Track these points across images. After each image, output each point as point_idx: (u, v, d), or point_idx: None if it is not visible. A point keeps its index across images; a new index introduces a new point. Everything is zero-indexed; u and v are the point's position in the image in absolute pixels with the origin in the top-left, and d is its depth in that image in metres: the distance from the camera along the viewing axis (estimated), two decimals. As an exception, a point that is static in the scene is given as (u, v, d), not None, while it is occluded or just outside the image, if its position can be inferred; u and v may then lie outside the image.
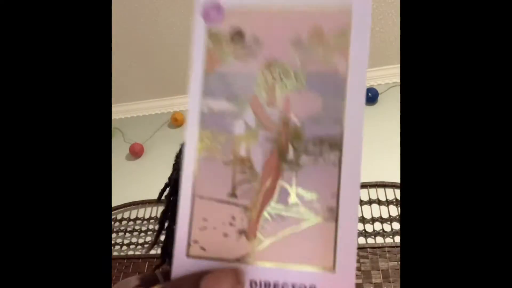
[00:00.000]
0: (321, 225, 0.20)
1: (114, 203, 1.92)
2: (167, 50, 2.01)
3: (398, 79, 1.96)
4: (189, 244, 0.21)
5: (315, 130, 0.21)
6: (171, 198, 0.55)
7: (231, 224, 0.21)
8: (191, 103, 0.23)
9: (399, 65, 2.19)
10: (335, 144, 0.21)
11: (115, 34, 1.84)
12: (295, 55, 0.22)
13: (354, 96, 0.21)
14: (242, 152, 0.22)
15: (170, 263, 0.52)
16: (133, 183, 1.96)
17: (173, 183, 0.55)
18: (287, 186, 0.21)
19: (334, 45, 0.22)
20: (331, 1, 0.22)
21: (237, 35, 0.23)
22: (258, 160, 0.22)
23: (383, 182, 1.53)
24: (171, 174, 0.56)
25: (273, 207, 0.21)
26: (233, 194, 0.22)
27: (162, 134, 2.12)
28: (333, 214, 0.20)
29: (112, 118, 2.31)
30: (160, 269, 0.60)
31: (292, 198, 0.21)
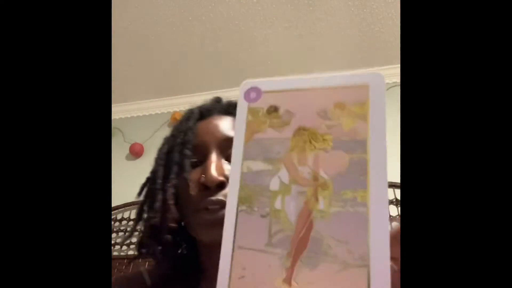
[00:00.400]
0: (353, 270, 0.22)
1: (114, 203, 1.92)
2: (167, 50, 2.01)
3: (398, 79, 1.96)
4: None
5: (343, 184, 0.24)
6: (149, 188, 0.56)
7: (268, 272, 0.23)
8: (233, 165, 0.26)
9: (399, 65, 2.18)
10: (362, 196, 0.23)
11: (115, 34, 1.84)
12: (322, 122, 0.25)
13: (376, 153, 0.24)
14: (278, 205, 0.25)
15: (146, 255, 0.54)
16: (133, 183, 1.96)
17: (152, 174, 0.55)
18: (319, 235, 0.23)
19: (355, 113, 0.25)
20: (351, 80, 0.26)
21: (272, 109, 0.27)
22: (292, 211, 0.24)
23: (383, 182, 1.52)
24: (153, 168, 0.56)
25: (307, 255, 0.23)
26: (269, 244, 0.24)
27: (162, 134, 2.11)
28: (365, 260, 0.22)
29: (112, 118, 2.31)
30: (146, 266, 0.60)
31: (324, 246, 0.23)
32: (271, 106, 0.27)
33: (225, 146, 0.53)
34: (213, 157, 0.51)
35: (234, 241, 0.24)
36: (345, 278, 0.22)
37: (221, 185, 0.49)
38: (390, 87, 1.92)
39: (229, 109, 0.61)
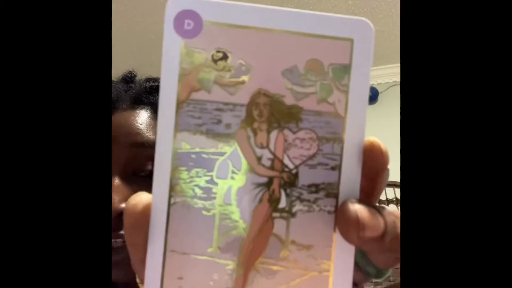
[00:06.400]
0: (316, 278, 0.19)
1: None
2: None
3: (398, 78, 1.96)
4: None
5: (311, 176, 0.19)
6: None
7: (212, 284, 0.19)
8: (160, 138, 0.18)
9: (399, 64, 2.19)
10: (331, 192, 0.19)
11: (114, 34, 1.84)
12: (289, 87, 0.19)
13: (353, 140, 0.19)
14: (227, 199, 0.19)
15: None
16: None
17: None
18: (278, 237, 0.19)
19: (333, 79, 0.19)
20: (330, 28, 0.19)
21: (221, 55, 0.19)
22: (245, 208, 0.19)
23: (383, 181, 1.52)
24: None
25: (263, 261, 0.19)
26: (215, 248, 0.19)
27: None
28: (328, 265, 0.19)
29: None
30: None
31: (284, 251, 0.19)
32: (218, 51, 0.19)
33: (133, 155, 0.40)
34: (113, 176, 0.39)
35: (165, 244, 0.18)
36: (306, 286, 0.19)
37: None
38: (390, 87, 1.92)
39: (142, 96, 0.44)
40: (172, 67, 0.19)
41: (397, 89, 1.93)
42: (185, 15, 0.19)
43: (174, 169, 0.19)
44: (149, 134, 0.43)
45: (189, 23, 0.18)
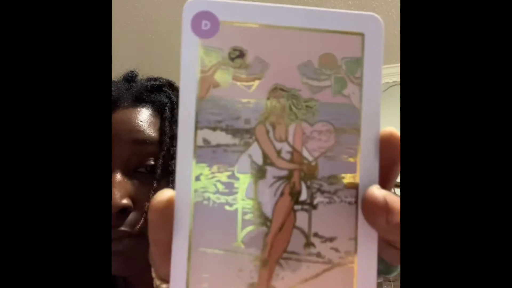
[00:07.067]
0: (340, 269, 0.19)
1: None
2: (168, 50, 2.01)
3: (398, 78, 1.97)
4: None
5: (330, 168, 0.19)
6: None
7: (238, 279, 0.19)
8: (181, 134, 0.19)
9: (399, 64, 2.18)
10: (352, 183, 0.19)
11: (114, 34, 1.84)
12: (305, 81, 0.20)
13: (370, 130, 0.19)
14: (249, 193, 0.19)
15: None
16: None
17: None
18: (300, 230, 0.19)
19: (346, 72, 0.20)
20: (341, 23, 0.20)
21: (237, 53, 0.19)
22: (267, 201, 0.19)
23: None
24: None
25: (287, 256, 0.19)
26: (239, 243, 0.19)
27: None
28: (352, 257, 0.19)
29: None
30: None
31: (308, 243, 0.19)
32: (235, 49, 0.19)
33: (134, 152, 0.41)
34: (115, 172, 0.40)
35: (190, 240, 0.19)
36: (330, 277, 0.19)
37: (125, 211, 0.39)
38: (390, 87, 1.92)
39: (143, 94, 0.45)
40: (191, 67, 0.19)
41: (397, 89, 1.93)
42: (202, 16, 0.19)
43: (196, 166, 0.19)
44: (150, 132, 0.43)
45: (206, 24, 0.19)
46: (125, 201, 0.39)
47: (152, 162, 0.43)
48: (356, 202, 0.19)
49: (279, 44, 0.20)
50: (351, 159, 0.20)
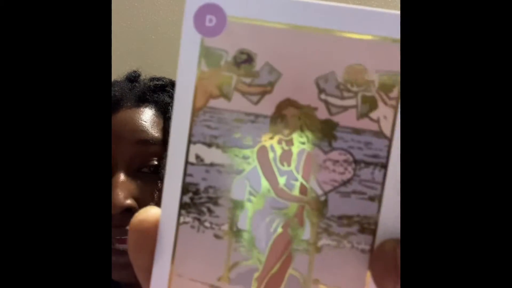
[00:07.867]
0: None
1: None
2: (168, 50, 2.02)
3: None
4: None
5: (343, 206, 0.16)
6: None
7: None
8: (172, 149, 0.16)
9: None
10: (368, 227, 0.16)
11: (114, 33, 1.88)
12: (323, 98, 0.16)
13: (399, 165, 0.16)
14: (242, 223, 0.16)
15: None
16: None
17: None
18: (298, 274, 0.16)
19: (379, 91, 0.16)
20: (380, 29, 0.15)
21: (244, 57, 0.16)
22: (262, 236, 0.16)
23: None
24: None
25: None
26: (224, 278, 0.16)
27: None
28: None
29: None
30: None
31: None
32: (242, 52, 0.16)
33: (138, 152, 0.40)
34: (118, 172, 0.39)
35: (172, 267, 0.16)
36: None
37: (129, 211, 0.39)
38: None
39: (146, 94, 0.45)
40: (189, 70, 0.16)
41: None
42: (207, 9, 0.16)
43: (186, 185, 0.16)
44: (153, 131, 0.44)
45: (211, 19, 0.16)
46: (129, 201, 0.39)
47: (156, 162, 0.43)
48: (371, 250, 0.16)
49: (296, 49, 0.16)
50: (371, 199, 0.16)
